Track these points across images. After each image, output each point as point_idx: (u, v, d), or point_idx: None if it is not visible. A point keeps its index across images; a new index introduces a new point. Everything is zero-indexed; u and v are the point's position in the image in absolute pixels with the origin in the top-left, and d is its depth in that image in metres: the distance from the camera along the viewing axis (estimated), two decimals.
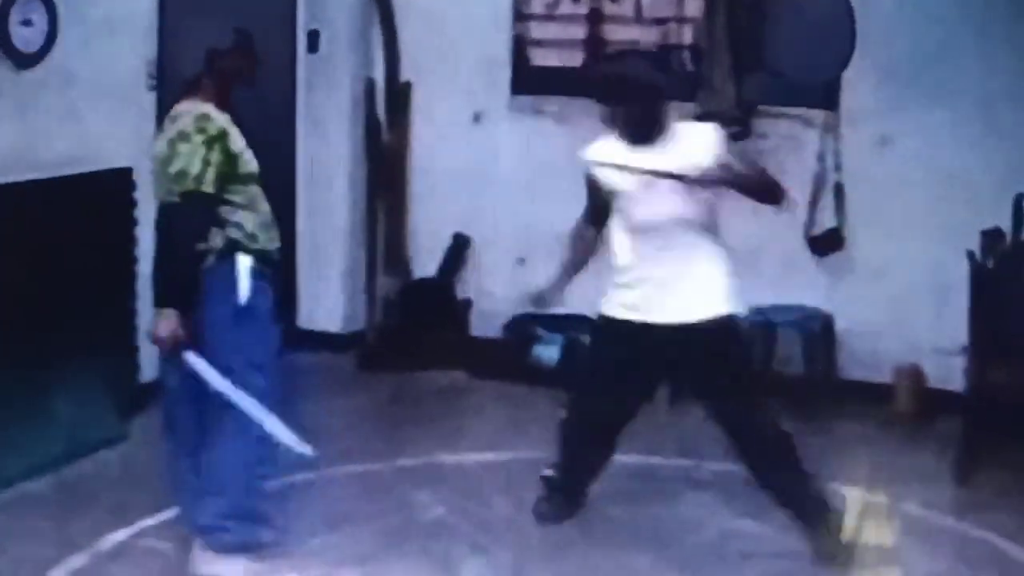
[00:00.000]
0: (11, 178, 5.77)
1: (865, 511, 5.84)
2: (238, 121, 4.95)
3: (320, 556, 5.25)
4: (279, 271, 5.10)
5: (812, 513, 5.33)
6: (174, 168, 4.79)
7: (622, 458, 5.82)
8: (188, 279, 4.82)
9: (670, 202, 5.12)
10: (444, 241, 7.93)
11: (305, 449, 5.02)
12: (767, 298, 7.25)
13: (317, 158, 8.03)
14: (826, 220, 7.28)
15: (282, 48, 7.86)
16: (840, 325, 7.28)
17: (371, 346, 7.86)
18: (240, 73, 5.01)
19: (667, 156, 5.12)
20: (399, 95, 8.03)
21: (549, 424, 5.85)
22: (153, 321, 4.84)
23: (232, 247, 4.87)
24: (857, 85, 7.14)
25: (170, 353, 4.86)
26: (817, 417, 6.96)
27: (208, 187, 4.78)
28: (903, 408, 7.11)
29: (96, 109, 6.30)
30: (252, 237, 4.91)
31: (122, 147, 6.33)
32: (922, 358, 7.13)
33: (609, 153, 5.25)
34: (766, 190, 5.37)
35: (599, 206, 5.36)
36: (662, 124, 5.21)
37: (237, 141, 4.89)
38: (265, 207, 5.02)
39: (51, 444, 5.90)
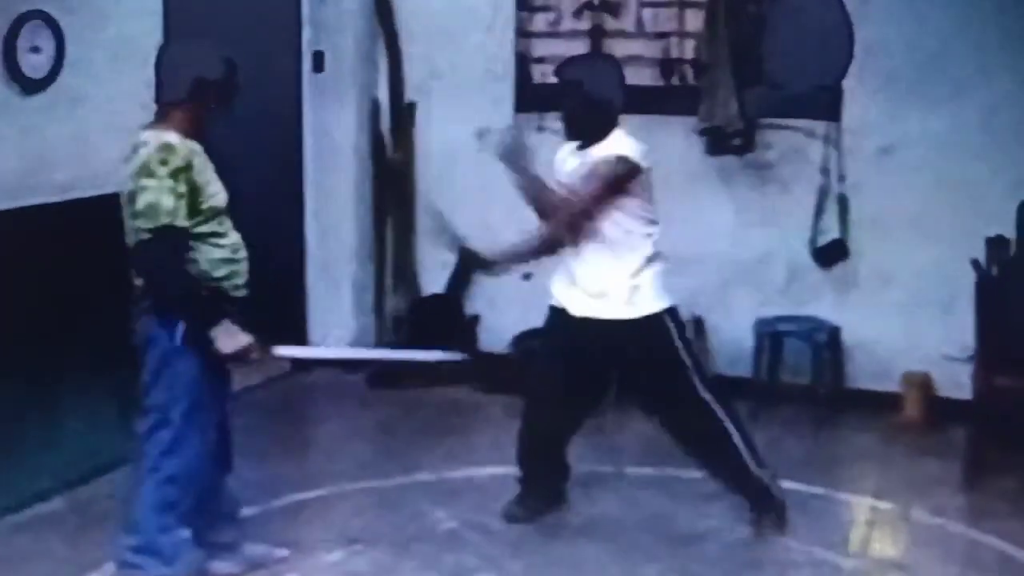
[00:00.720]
0: (20, 202, 5.77)
1: (874, 519, 5.84)
2: (212, 150, 4.85)
3: (334, 571, 5.26)
4: (244, 307, 4.90)
5: (757, 496, 5.60)
6: (142, 203, 4.64)
7: (635, 469, 5.83)
8: (199, 295, 4.77)
9: None
10: (451, 258, 7.90)
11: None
12: (774, 309, 7.28)
13: (324, 177, 8.03)
14: (831, 231, 7.27)
15: (288, 68, 7.88)
16: (847, 335, 7.27)
17: (380, 363, 7.84)
18: (222, 102, 4.89)
19: (581, 164, 5.44)
20: (404, 114, 8.03)
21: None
22: (218, 348, 4.73)
23: None
24: (858, 96, 7.14)
25: (259, 356, 4.82)
26: (826, 427, 6.97)
27: (182, 221, 4.65)
28: (911, 416, 7.10)
29: (102, 133, 6.29)
30: (203, 274, 4.76)
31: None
32: (930, 366, 7.12)
33: (564, 153, 5.60)
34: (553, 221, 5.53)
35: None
36: (593, 129, 5.46)
37: (203, 172, 4.75)
38: (229, 239, 4.86)
39: (64, 465, 5.90)
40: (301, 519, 5.75)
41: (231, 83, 4.89)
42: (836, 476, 6.30)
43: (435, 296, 8.02)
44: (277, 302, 7.36)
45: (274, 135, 7.81)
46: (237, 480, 5.25)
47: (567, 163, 5.55)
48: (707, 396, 5.52)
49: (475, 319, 7.91)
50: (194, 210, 4.71)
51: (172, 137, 4.72)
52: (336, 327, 8.04)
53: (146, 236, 4.66)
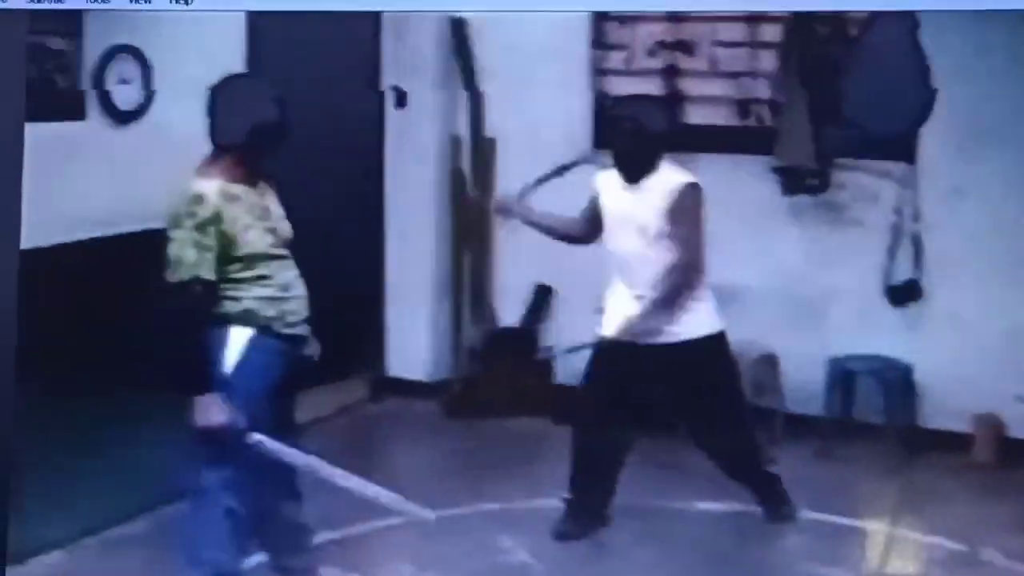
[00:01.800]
0: (110, 231, 5.84)
1: (945, 560, 5.77)
2: (283, 186, 4.86)
3: None
4: (296, 345, 4.87)
5: (766, 486, 5.92)
6: (169, 254, 4.63)
7: (706, 505, 5.80)
8: (205, 359, 4.69)
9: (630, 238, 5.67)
10: (527, 291, 7.93)
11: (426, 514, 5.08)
12: (846, 347, 7.21)
13: (404, 211, 8.06)
14: (904, 271, 7.21)
15: (370, 105, 7.93)
16: (919, 374, 7.20)
17: (457, 393, 7.86)
18: (274, 145, 4.81)
19: (639, 198, 5.65)
20: (483, 150, 8.06)
21: (631, 470, 5.86)
22: (194, 414, 4.66)
23: (225, 320, 4.73)
24: (933, 137, 7.08)
25: (229, 439, 4.67)
26: (897, 466, 6.89)
27: (207, 273, 4.62)
28: (983, 457, 7.00)
29: (189, 165, 6.35)
30: (248, 312, 4.73)
31: None
32: (1002, 407, 7.02)
33: (607, 184, 5.80)
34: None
35: (591, 218, 5.90)
36: (644, 165, 5.66)
37: (237, 221, 4.67)
38: (278, 279, 4.80)
39: (143, 489, 5.95)
40: (374, 546, 5.75)
41: (283, 126, 4.79)
42: (907, 515, 6.21)
43: (511, 329, 8.03)
44: (356, 333, 7.41)
45: (356, 170, 7.86)
46: (311, 507, 5.25)
47: (619, 199, 5.72)
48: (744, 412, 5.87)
49: (550, 352, 7.91)
50: (229, 258, 4.67)
51: (206, 186, 4.68)
52: (414, 357, 8.06)
53: (168, 287, 4.64)
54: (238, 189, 4.73)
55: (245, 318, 4.73)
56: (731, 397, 5.87)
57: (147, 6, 4.16)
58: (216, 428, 4.64)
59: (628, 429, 5.88)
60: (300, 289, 4.87)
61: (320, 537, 5.46)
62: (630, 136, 5.65)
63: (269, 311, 4.76)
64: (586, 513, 5.89)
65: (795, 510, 5.98)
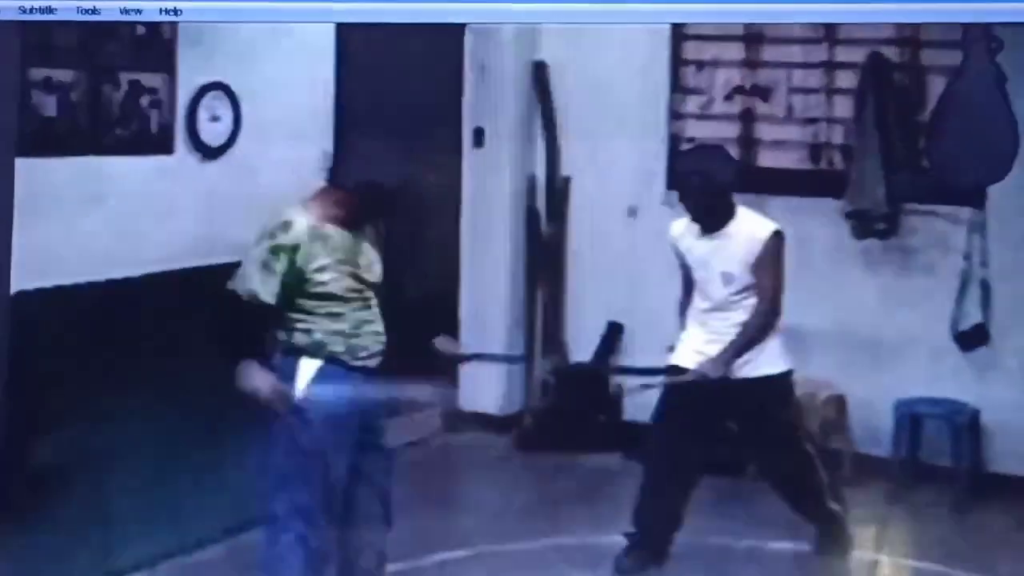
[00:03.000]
0: (196, 263, 5.91)
1: None
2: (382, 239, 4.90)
3: None
4: (368, 379, 4.86)
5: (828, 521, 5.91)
6: (242, 264, 4.71)
7: (776, 544, 5.82)
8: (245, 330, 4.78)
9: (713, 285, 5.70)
10: (599, 328, 7.94)
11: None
12: (915, 391, 7.16)
13: (480, 247, 8.10)
14: (973, 316, 7.16)
15: (450, 143, 7.98)
16: (987, 418, 7.14)
17: (528, 428, 7.87)
18: (383, 211, 4.88)
19: (720, 245, 5.65)
20: (559, 189, 8.09)
21: (702, 507, 5.84)
22: (242, 383, 4.75)
23: (294, 350, 4.77)
24: (1004, 183, 7.02)
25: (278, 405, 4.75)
26: (964, 510, 6.83)
27: (266, 296, 4.67)
28: None
29: (276, 200, 6.41)
30: (318, 344, 4.76)
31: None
32: None
33: (683, 231, 5.80)
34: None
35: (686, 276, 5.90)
36: (721, 215, 5.66)
37: (315, 259, 4.70)
38: (352, 317, 4.80)
39: (224, 513, 5.98)
40: None
41: (395, 200, 4.83)
42: (974, 560, 6.15)
43: (582, 364, 8.04)
44: (431, 365, 7.42)
45: (435, 207, 7.91)
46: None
47: (699, 247, 5.73)
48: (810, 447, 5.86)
49: (620, 388, 7.89)
50: (301, 291, 4.70)
51: (299, 218, 4.73)
52: (486, 391, 8.08)
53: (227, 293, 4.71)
54: (331, 230, 4.75)
55: (314, 349, 4.76)
56: (795, 434, 5.86)
57: (137, 16, 4.19)
58: (258, 392, 4.73)
59: (695, 465, 5.89)
60: (377, 325, 4.88)
61: (394, 567, 5.47)
62: (701, 190, 5.65)
63: (339, 346, 4.79)
64: (648, 548, 5.88)
65: (851, 546, 5.96)
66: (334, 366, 4.78)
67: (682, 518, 5.89)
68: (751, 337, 5.61)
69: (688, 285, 5.88)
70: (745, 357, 5.63)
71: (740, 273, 5.62)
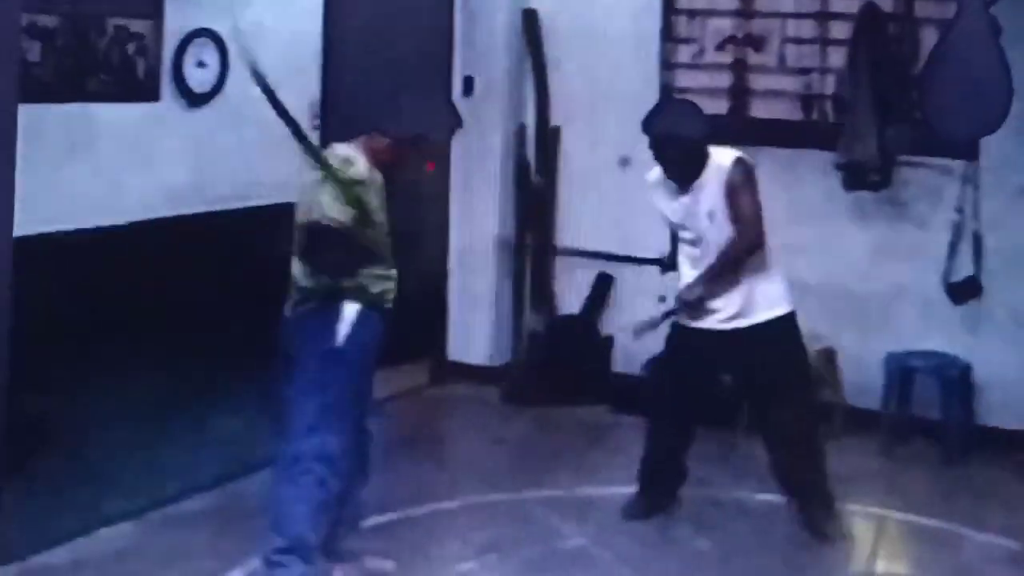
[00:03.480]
0: (185, 210, 5.87)
1: (1000, 558, 5.70)
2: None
3: None
4: (386, 321, 5.00)
5: (826, 504, 5.77)
6: (323, 201, 4.71)
7: (764, 496, 5.81)
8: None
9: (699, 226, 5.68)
10: (588, 280, 7.90)
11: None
12: (905, 344, 7.13)
13: (469, 199, 8.05)
14: (964, 268, 7.11)
15: (438, 92, 7.89)
16: (978, 371, 7.10)
17: (516, 380, 7.83)
18: (399, 162, 5.04)
19: (699, 189, 5.63)
20: (548, 139, 8.03)
21: (690, 459, 5.83)
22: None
23: (341, 294, 4.86)
24: (997, 135, 6.95)
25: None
26: (954, 463, 6.81)
27: (353, 224, 4.74)
28: None
29: (262, 147, 6.36)
30: (361, 288, 4.88)
31: (286, 183, 6.35)
32: None
33: (658, 183, 5.80)
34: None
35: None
36: (693, 171, 5.65)
37: (373, 199, 4.85)
38: (388, 260, 4.99)
39: (211, 464, 5.97)
40: (434, 529, 5.75)
41: (432, 151, 5.02)
42: (963, 512, 6.13)
43: (571, 316, 7.99)
44: (420, 317, 7.38)
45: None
46: (371, 488, 5.25)
47: (675, 203, 5.73)
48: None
49: (609, 340, 7.86)
50: (363, 222, 4.78)
51: (357, 156, 4.89)
52: (475, 343, 8.04)
53: (320, 228, 4.73)
54: (377, 174, 4.93)
55: (357, 293, 4.86)
56: (798, 375, 5.81)
57: None
58: None
59: (694, 412, 5.88)
60: (394, 271, 5.03)
61: (374, 520, 5.46)
62: (677, 156, 5.66)
63: (377, 288, 4.92)
64: (656, 494, 5.90)
65: (841, 534, 5.79)
66: (370, 310, 4.90)
67: (686, 464, 5.90)
68: (731, 258, 5.60)
69: (673, 232, 5.90)
70: (752, 305, 5.62)
71: (720, 206, 5.59)
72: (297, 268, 4.93)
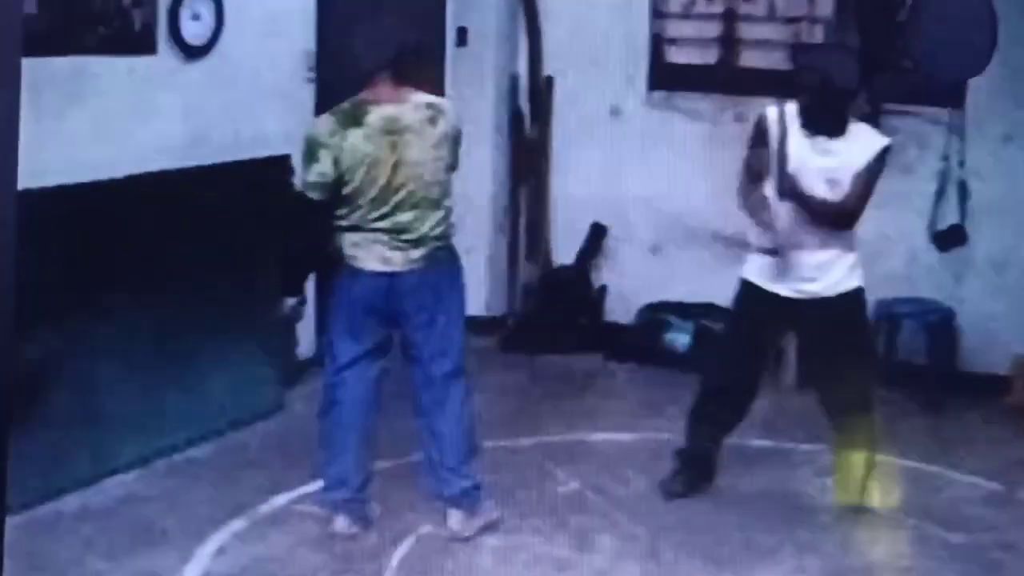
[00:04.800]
0: (180, 163, 5.85)
1: (981, 498, 5.77)
2: None
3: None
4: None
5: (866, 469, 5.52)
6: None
7: (757, 442, 5.82)
8: None
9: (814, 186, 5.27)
10: (582, 230, 7.88)
11: None
12: (891, 291, 7.14)
13: (463, 149, 8.00)
14: (950, 216, 7.12)
15: (432, 42, 7.86)
16: (961, 318, 7.13)
17: (512, 329, 7.84)
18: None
19: (832, 150, 5.27)
20: (542, 89, 8.00)
21: (681, 406, 5.83)
22: None
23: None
24: (983, 84, 6.96)
25: None
26: (937, 407, 6.84)
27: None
28: (1020, 399, 6.94)
29: (258, 100, 6.34)
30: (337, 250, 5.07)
31: (281, 136, 6.34)
32: None
33: (776, 121, 5.31)
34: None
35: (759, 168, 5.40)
36: (840, 121, 5.28)
37: (342, 156, 4.94)
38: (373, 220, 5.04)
39: (214, 413, 6.00)
40: None
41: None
42: (946, 456, 6.18)
43: (565, 267, 8.00)
44: None
45: None
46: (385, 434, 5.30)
47: (809, 159, 5.28)
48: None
49: (603, 290, 7.87)
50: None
51: (320, 119, 5.04)
52: (471, 294, 8.00)
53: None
54: (355, 129, 4.99)
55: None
56: (865, 349, 5.69)
57: None
58: None
59: (759, 370, 5.63)
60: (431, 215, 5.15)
61: (377, 465, 5.48)
62: (838, 104, 5.30)
63: (350, 250, 5.06)
64: (697, 466, 5.67)
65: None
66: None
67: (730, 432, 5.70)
68: (822, 215, 5.28)
69: (759, 173, 5.39)
70: (833, 275, 5.35)
71: (848, 179, 5.26)
72: None
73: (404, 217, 4.93)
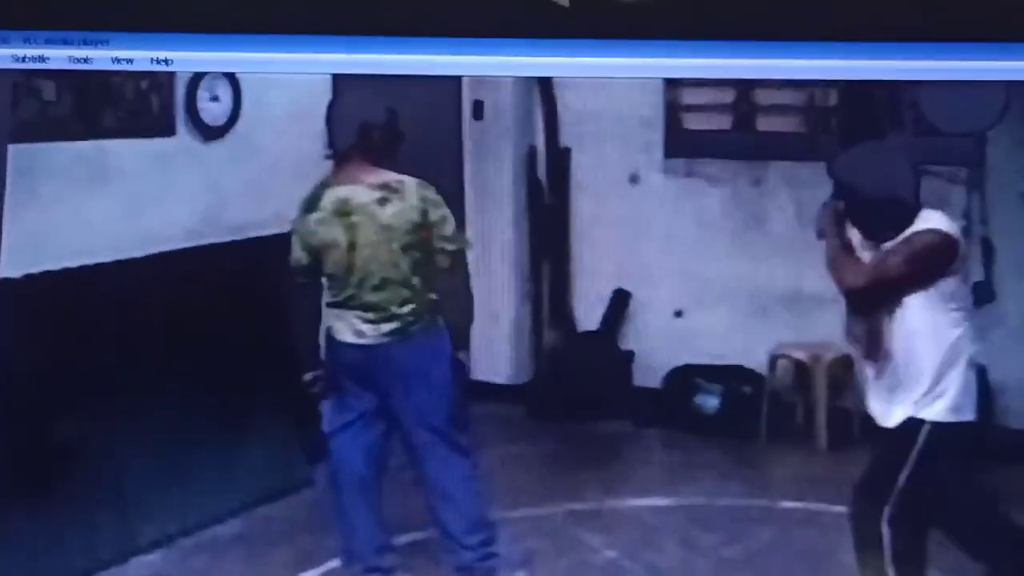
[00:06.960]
0: (201, 241, 5.86)
1: None
2: None
3: None
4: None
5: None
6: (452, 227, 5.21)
7: (789, 504, 5.73)
8: None
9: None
10: (605, 296, 7.85)
11: None
12: None
13: (484, 220, 8.02)
14: (975, 274, 7.05)
15: (449, 116, 7.87)
16: (993, 376, 7.02)
17: (539, 396, 7.79)
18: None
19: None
20: (559, 160, 7.99)
21: (712, 470, 5.77)
22: None
23: None
24: (1002, 140, 6.93)
25: None
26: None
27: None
28: None
29: (276, 178, 6.33)
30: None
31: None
32: None
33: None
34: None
35: None
36: (901, 223, 4.75)
37: (323, 231, 5.09)
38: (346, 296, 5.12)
39: (242, 488, 5.96)
40: None
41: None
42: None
43: (591, 332, 7.94)
44: None
45: (437, 181, 7.80)
46: (405, 506, 5.22)
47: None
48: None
49: (629, 355, 7.81)
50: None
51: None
52: (496, 362, 8.00)
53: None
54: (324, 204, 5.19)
55: None
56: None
57: (128, 66, 4.13)
58: None
59: None
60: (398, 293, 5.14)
61: (409, 537, 5.42)
62: (864, 202, 4.81)
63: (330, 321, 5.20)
64: None
65: None
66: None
67: None
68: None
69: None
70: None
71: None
72: None
73: (371, 297, 4.97)
